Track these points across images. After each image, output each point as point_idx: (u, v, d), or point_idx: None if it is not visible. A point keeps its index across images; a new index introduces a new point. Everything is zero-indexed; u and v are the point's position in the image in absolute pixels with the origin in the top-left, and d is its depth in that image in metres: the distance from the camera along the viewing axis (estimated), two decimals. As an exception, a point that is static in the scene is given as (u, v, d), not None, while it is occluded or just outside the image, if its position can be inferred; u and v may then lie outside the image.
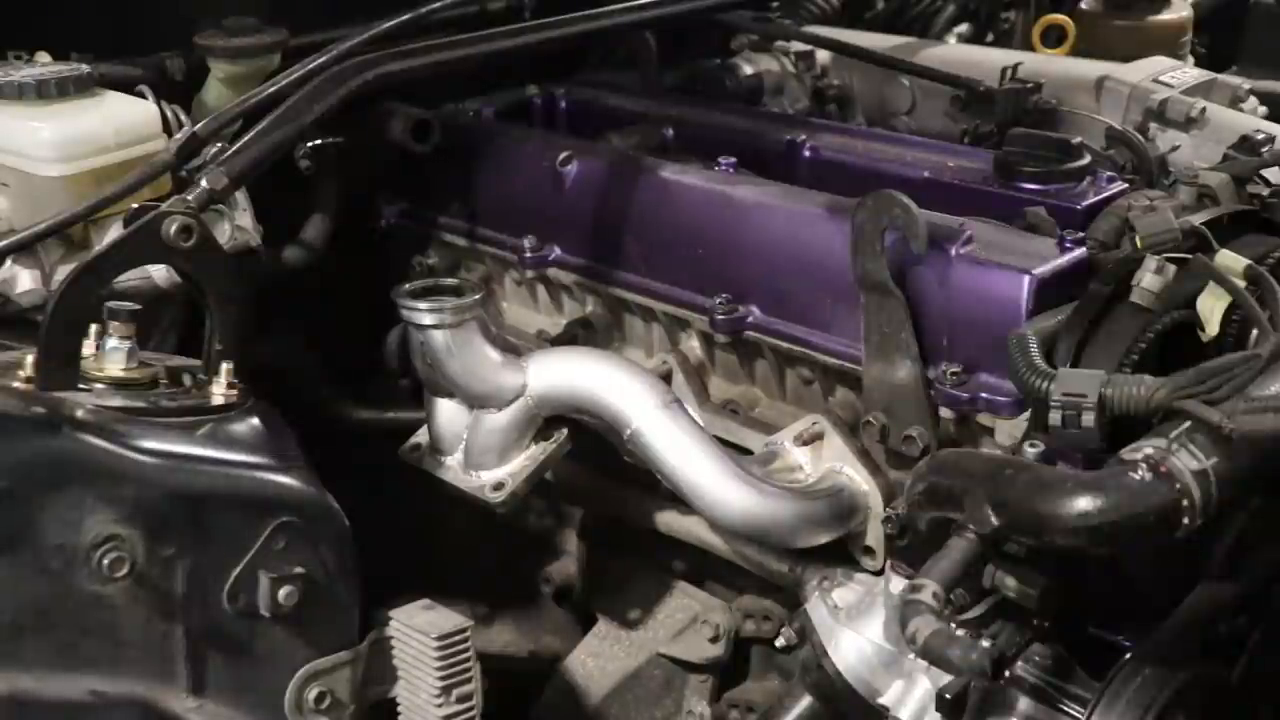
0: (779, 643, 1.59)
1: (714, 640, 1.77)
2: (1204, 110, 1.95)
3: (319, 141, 1.85)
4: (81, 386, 1.31)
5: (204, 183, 1.41)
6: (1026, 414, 1.38)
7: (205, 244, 1.38)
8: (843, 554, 1.57)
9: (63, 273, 1.50)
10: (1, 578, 1.17)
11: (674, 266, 1.70)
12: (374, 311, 1.76)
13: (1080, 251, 1.46)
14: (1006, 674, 1.32)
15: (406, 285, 1.61)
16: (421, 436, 1.74)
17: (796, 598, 1.59)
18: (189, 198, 1.39)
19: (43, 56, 1.69)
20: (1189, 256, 1.35)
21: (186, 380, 1.40)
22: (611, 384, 1.56)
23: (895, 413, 1.47)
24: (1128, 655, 1.30)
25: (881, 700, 1.43)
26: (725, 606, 1.78)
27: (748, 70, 2.30)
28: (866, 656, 1.44)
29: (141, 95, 1.68)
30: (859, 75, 2.33)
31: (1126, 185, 1.66)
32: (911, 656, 1.35)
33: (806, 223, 1.60)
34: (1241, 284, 1.29)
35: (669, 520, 1.72)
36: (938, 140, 1.96)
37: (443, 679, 1.40)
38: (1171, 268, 1.32)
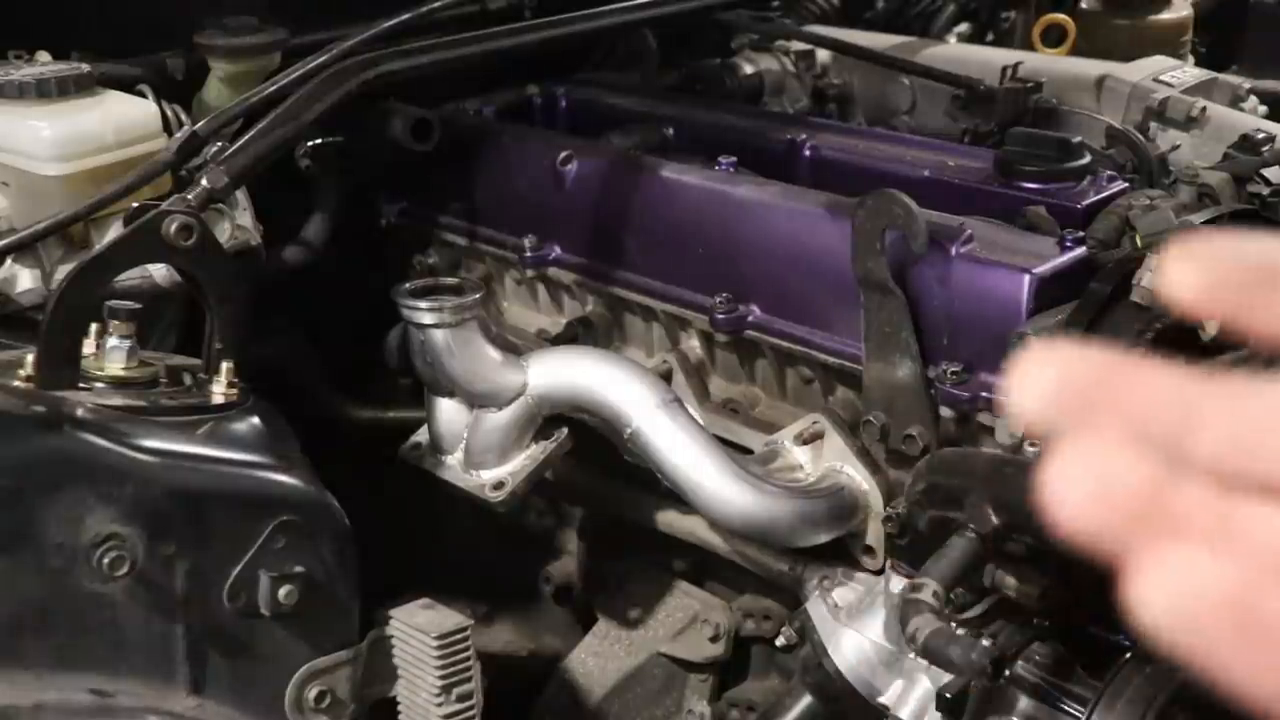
0: (779, 642, 1.59)
1: (714, 639, 1.77)
2: (1204, 110, 1.95)
3: (319, 141, 1.85)
4: (82, 385, 1.30)
5: (204, 182, 1.41)
6: (1027, 413, 1.37)
7: (205, 243, 1.38)
8: (843, 553, 1.57)
9: (63, 272, 1.49)
10: (1, 576, 1.17)
11: (674, 266, 1.70)
12: (374, 311, 1.76)
13: (1080, 251, 1.46)
14: (1006, 674, 1.32)
15: (407, 284, 1.61)
16: (422, 436, 1.74)
17: (796, 597, 1.59)
18: (189, 197, 1.39)
19: (43, 56, 1.68)
20: (1189, 256, 1.35)
21: (187, 379, 1.40)
22: (612, 383, 1.56)
23: (895, 412, 1.47)
24: (1128, 655, 1.30)
25: (882, 699, 1.43)
26: (725, 606, 1.78)
27: (748, 70, 2.30)
28: (867, 656, 1.44)
29: (141, 95, 1.68)
30: (859, 75, 2.32)
31: (1127, 184, 1.66)
32: (912, 656, 1.35)
33: (806, 222, 1.60)
34: (1242, 283, 1.29)
35: (669, 520, 1.72)
36: (938, 139, 1.96)
37: (443, 678, 1.40)
38: (1172, 267, 1.32)
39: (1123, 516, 0.41)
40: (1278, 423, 0.41)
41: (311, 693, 1.32)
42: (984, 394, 1.42)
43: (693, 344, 1.74)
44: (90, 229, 1.56)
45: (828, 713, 1.51)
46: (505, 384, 1.60)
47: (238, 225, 1.66)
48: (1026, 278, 1.41)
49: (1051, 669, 1.33)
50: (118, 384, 1.32)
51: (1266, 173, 1.65)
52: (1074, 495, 0.41)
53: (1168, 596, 0.40)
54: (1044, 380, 0.43)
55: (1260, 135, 1.77)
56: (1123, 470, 0.41)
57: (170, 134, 1.62)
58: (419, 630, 1.40)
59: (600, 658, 1.86)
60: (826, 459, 1.55)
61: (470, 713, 1.42)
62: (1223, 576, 0.40)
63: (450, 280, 1.66)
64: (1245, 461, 0.41)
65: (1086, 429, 0.42)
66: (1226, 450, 0.41)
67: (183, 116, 1.71)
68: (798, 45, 2.32)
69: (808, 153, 1.89)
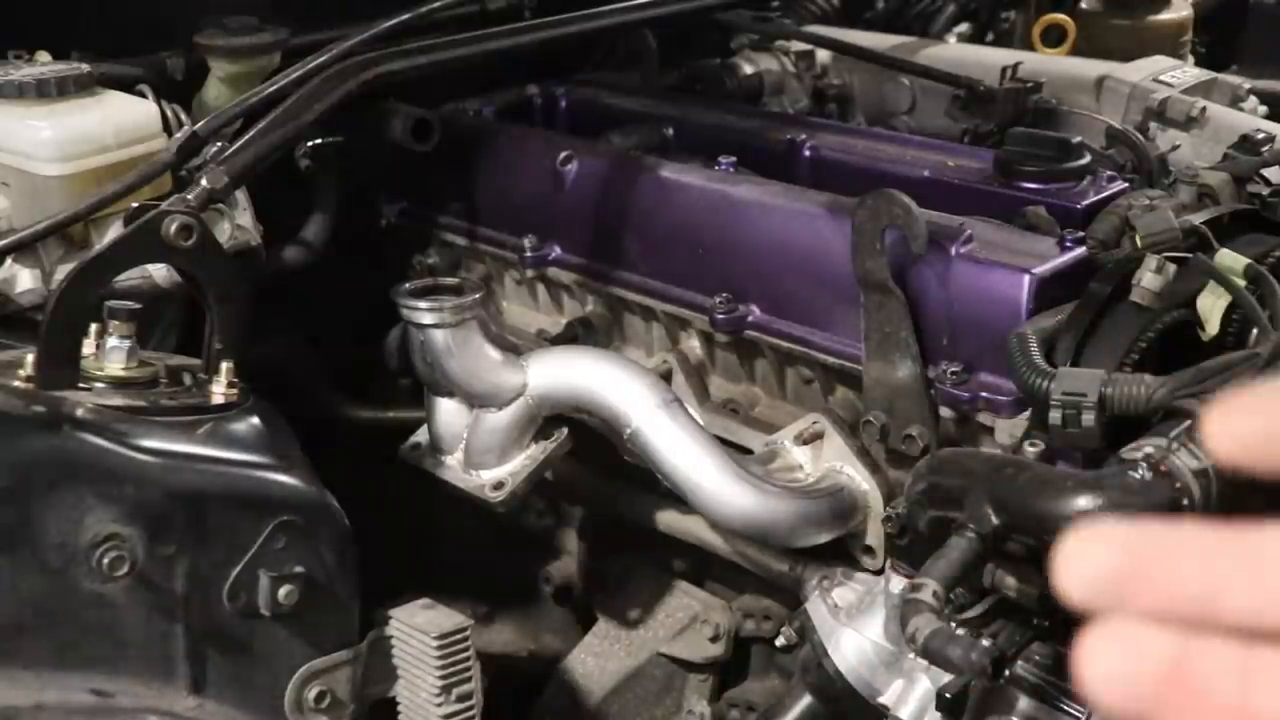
0: (779, 642, 1.59)
1: (714, 639, 1.77)
2: (1204, 110, 1.95)
3: (319, 141, 1.85)
4: (81, 385, 1.30)
5: (204, 182, 1.40)
6: (1027, 413, 1.38)
7: (205, 243, 1.38)
8: (843, 553, 1.57)
9: (63, 272, 1.49)
10: (1, 576, 1.17)
11: (674, 266, 1.70)
12: (374, 311, 1.76)
13: (1080, 251, 1.46)
14: (1006, 674, 1.32)
15: (406, 284, 1.61)
16: (421, 436, 1.74)
17: (796, 597, 1.59)
18: (189, 197, 1.39)
19: (43, 56, 1.68)
20: (1189, 256, 1.35)
21: (187, 379, 1.40)
22: (611, 383, 1.56)
23: (895, 412, 1.47)
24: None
25: (881, 700, 1.43)
26: (725, 606, 1.78)
27: (748, 70, 2.30)
28: (867, 656, 1.44)
29: (141, 95, 1.68)
30: (859, 75, 2.33)
31: (1126, 185, 1.66)
32: (911, 656, 1.35)
33: (806, 222, 1.60)
34: (1241, 283, 1.29)
35: (669, 520, 1.72)
36: (938, 139, 1.96)
37: (443, 678, 1.40)
38: (1171, 267, 1.32)
39: (1148, 694, 0.44)
40: None
41: (311, 693, 1.32)
42: (984, 394, 1.42)
43: (693, 344, 1.74)
44: (90, 229, 1.56)
45: (828, 713, 1.50)
46: (505, 384, 1.60)
47: (238, 225, 1.65)
48: (1026, 278, 1.41)
49: (1051, 669, 1.33)
50: (118, 384, 1.32)
51: (1266, 173, 1.65)
52: (1104, 675, 0.45)
53: None
54: (1085, 565, 0.46)
55: (1260, 135, 1.77)
56: (1149, 650, 0.45)
57: (170, 134, 1.62)
58: (419, 630, 1.40)
59: (600, 658, 1.86)
60: (826, 459, 1.55)
61: (470, 713, 1.42)
62: None
63: (450, 280, 1.66)
64: (1270, 616, 0.44)
65: (1120, 610, 0.45)
66: (1251, 609, 0.44)
67: (183, 116, 1.71)
68: (798, 45, 2.32)
69: (808, 153, 1.89)
